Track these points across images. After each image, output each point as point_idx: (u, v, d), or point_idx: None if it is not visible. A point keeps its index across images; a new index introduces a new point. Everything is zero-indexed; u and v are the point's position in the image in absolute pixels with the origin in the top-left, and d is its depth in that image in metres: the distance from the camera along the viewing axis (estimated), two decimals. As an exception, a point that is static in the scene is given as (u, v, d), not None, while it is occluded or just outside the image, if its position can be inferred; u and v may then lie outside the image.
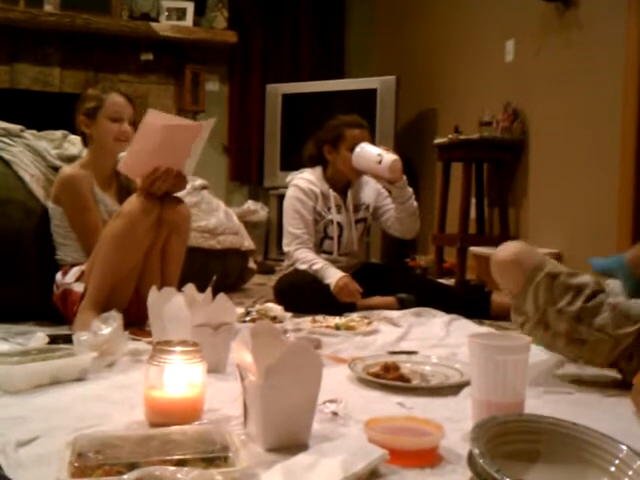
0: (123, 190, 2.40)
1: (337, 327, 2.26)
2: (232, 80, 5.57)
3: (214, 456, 1.03)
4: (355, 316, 2.48)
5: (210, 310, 1.67)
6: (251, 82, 5.57)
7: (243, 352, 1.24)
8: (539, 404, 1.43)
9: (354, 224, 2.91)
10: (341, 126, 2.81)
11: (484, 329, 2.40)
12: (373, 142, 2.81)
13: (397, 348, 2.05)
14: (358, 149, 2.70)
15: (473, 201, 4.11)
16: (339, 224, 2.86)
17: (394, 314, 2.56)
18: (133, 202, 2.13)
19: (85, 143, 2.41)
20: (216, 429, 1.15)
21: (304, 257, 2.71)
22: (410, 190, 2.80)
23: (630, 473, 0.88)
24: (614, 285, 1.62)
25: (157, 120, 2.06)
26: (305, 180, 2.83)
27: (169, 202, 2.22)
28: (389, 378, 1.61)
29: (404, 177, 2.74)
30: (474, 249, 3.88)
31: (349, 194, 2.89)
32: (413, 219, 2.85)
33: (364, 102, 4.81)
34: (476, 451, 0.83)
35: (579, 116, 3.51)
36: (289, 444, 1.16)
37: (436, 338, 2.22)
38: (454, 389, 1.56)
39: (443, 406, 1.45)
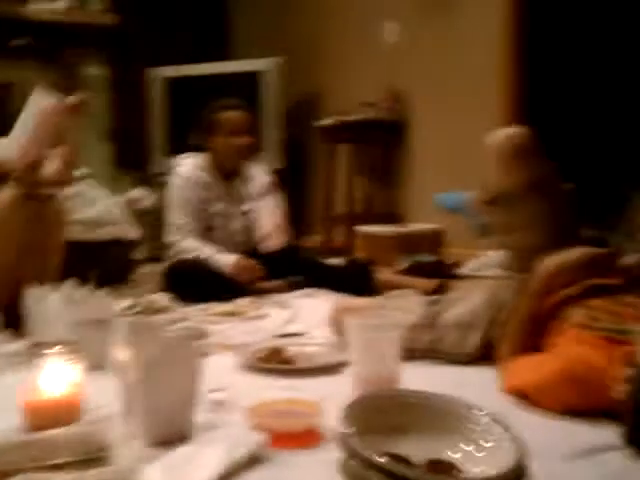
0: None
1: (226, 314, 2.27)
2: (113, 64, 5.38)
3: (93, 457, 1.02)
4: (244, 301, 2.48)
5: (89, 306, 1.63)
6: (133, 66, 5.39)
7: (121, 348, 1.22)
8: (414, 377, 1.50)
9: (240, 215, 2.88)
10: (217, 111, 2.77)
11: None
12: (255, 124, 2.79)
13: (286, 331, 2.09)
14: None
15: (359, 181, 4.20)
16: (224, 215, 2.83)
17: (284, 297, 2.59)
18: (3, 196, 2.03)
19: None
20: (96, 429, 1.13)
21: (189, 246, 2.66)
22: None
23: (491, 437, 0.95)
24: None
25: (41, 100, 1.97)
26: (189, 168, 2.79)
27: (42, 195, 2.13)
28: (275, 362, 1.63)
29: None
30: (361, 228, 3.97)
31: (235, 184, 2.86)
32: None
33: (249, 85, 4.78)
34: (345, 430, 0.87)
35: (457, 96, 3.65)
36: (172, 438, 1.15)
37: (324, 318, 2.27)
38: (339, 367, 1.60)
39: (328, 385, 1.49)
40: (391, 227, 3.82)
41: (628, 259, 1.38)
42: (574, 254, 1.41)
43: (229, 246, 2.87)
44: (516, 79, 3.38)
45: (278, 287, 2.75)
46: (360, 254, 4.01)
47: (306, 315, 2.33)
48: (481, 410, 0.99)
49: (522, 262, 1.62)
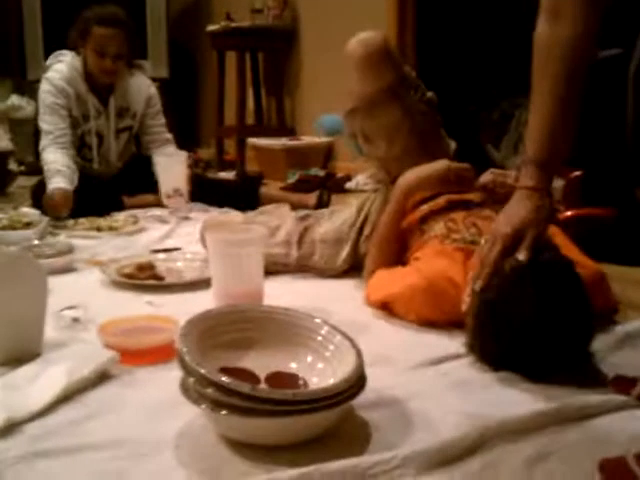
0: None
1: (99, 229, 2.19)
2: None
3: None
4: (120, 216, 2.40)
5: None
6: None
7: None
8: (281, 291, 1.52)
9: (116, 133, 2.69)
10: (90, 21, 2.52)
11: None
12: (132, 40, 2.60)
13: (161, 246, 2.04)
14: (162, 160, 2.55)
15: (250, 91, 4.09)
16: (98, 133, 2.64)
17: (163, 211, 2.53)
18: None
19: None
20: None
21: (47, 158, 2.49)
22: None
23: (331, 347, 0.97)
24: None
25: None
26: (60, 76, 2.55)
27: None
28: (142, 278, 1.60)
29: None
30: (253, 140, 3.90)
31: (111, 100, 2.64)
32: None
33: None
34: (183, 348, 0.86)
35: (345, 3, 3.57)
36: (19, 356, 1.12)
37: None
38: (207, 283, 1.58)
39: (193, 301, 1.47)
40: (282, 140, 3.77)
41: (485, 176, 1.41)
42: (433, 168, 1.43)
43: (104, 164, 2.70)
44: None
45: (158, 201, 2.65)
46: (252, 167, 3.95)
47: (184, 231, 2.28)
48: (323, 321, 1.00)
49: (386, 172, 1.62)
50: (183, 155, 2.65)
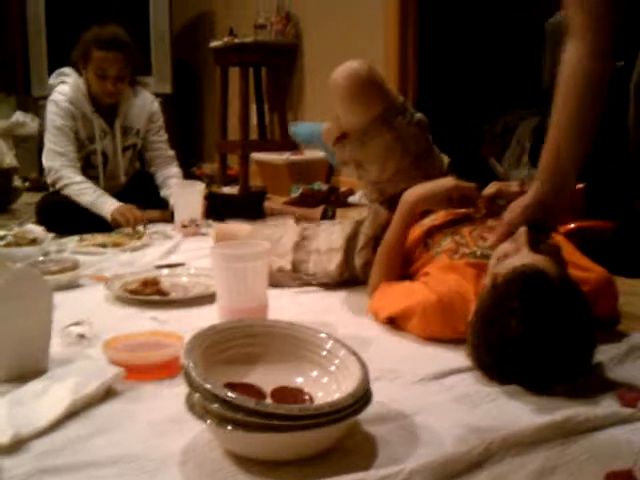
0: None
1: (104, 245, 2.20)
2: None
3: None
4: (124, 232, 2.40)
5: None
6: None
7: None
8: (284, 304, 1.52)
9: (121, 152, 2.70)
10: (90, 44, 2.51)
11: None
12: (134, 60, 2.61)
13: (166, 261, 2.05)
14: (180, 191, 2.56)
15: (253, 107, 4.11)
16: (104, 154, 2.66)
17: (168, 227, 2.54)
18: None
19: None
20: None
21: (74, 178, 2.49)
22: None
23: (336, 361, 0.97)
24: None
25: None
26: (66, 98, 2.55)
27: None
28: (146, 293, 1.61)
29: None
30: (256, 155, 3.92)
31: (117, 120, 2.65)
32: None
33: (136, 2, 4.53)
34: (189, 363, 0.86)
35: (348, 18, 3.60)
36: (25, 372, 1.12)
37: (206, 248, 2.23)
38: (211, 298, 1.58)
39: (198, 316, 1.48)
40: (285, 155, 3.79)
41: (488, 189, 1.41)
42: (442, 185, 1.42)
43: (110, 182, 2.69)
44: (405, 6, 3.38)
45: (164, 216, 2.67)
46: (255, 182, 3.97)
47: (188, 246, 2.29)
48: (328, 335, 1.01)
49: (380, 193, 1.63)
50: (200, 186, 2.65)
